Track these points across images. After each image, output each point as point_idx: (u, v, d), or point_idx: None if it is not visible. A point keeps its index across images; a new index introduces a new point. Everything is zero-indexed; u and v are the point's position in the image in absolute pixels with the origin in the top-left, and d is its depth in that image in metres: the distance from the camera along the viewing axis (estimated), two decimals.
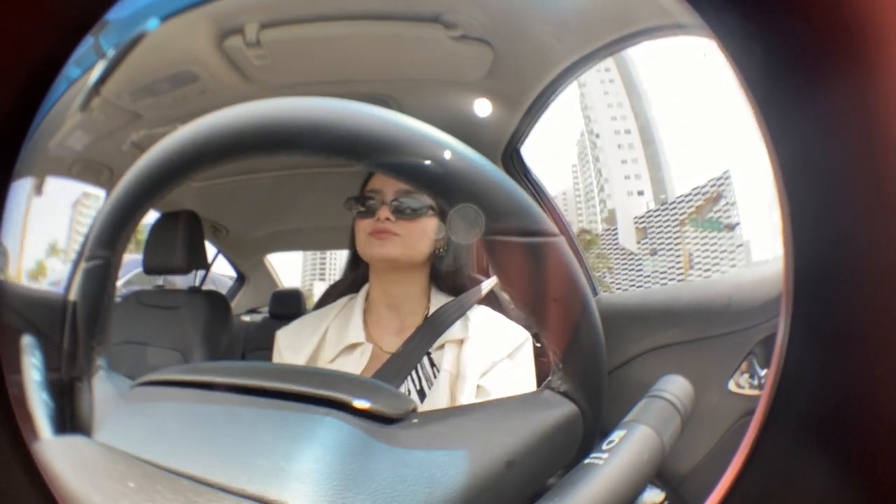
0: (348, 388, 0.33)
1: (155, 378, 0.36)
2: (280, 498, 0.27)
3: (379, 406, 0.32)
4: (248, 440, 0.30)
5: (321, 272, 0.50)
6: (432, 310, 0.49)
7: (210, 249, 0.52)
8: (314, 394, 0.32)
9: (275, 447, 0.29)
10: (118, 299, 0.48)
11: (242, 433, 0.31)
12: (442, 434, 0.33)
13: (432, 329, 0.48)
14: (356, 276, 0.50)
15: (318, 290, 0.51)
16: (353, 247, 0.49)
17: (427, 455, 0.31)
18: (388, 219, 0.46)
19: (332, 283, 0.50)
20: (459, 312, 0.49)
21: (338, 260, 0.50)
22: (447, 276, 0.50)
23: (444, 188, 0.31)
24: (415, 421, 0.33)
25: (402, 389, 0.46)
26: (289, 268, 0.51)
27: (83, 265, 0.38)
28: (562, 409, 0.36)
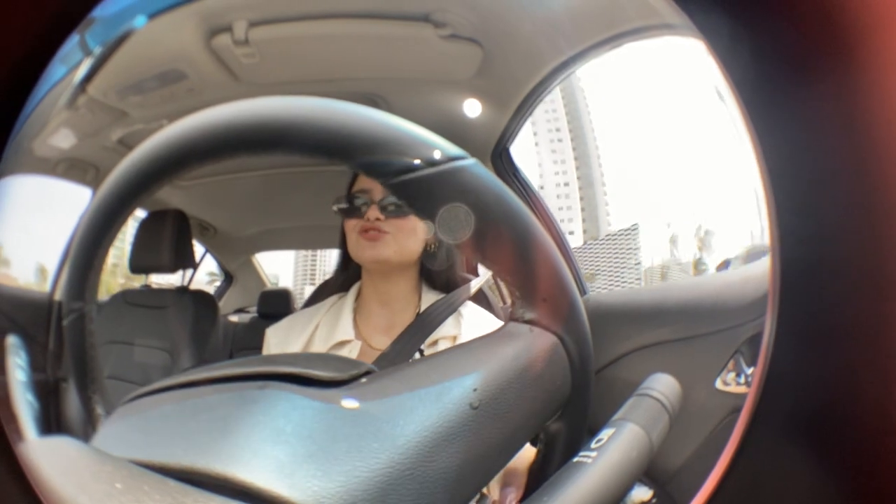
0: (293, 362, 0.32)
1: (141, 392, 0.36)
2: (212, 469, 0.26)
3: (321, 371, 0.31)
4: (204, 423, 0.30)
5: (311, 275, 0.50)
6: (423, 307, 0.49)
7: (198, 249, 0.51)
8: (256, 371, 0.32)
9: (215, 425, 0.29)
10: (106, 298, 0.47)
11: (201, 417, 0.30)
12: (390, 387, 0.31)
13: (423, 326, 0.48)
14: (347, 276, 0.50)
15: (309, 293, 0.50)
16: (343, 247, 0.49)
17: (373, 409, 0.30)
18: (378, 218, 0.46)
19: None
20: (450, 309, 0.48)
21: (329, 261, 0.50)
22: (438, 274, 0.50)
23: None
24: (363, 381, 0.32)
25: None
26: (280, 270, 0.51)
27: (64, 323, 0.38)
28: (530, 340, 0.33)
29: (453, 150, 0.31)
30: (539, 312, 0.34)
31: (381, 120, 0.31)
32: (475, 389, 0.31)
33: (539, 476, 0.37)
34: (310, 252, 0.50)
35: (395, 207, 0.46)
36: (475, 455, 0.30)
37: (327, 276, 0.50)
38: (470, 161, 0.31)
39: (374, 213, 0.46)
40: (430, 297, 0.49)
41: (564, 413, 0.35)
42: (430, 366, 0.34)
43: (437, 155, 0.31)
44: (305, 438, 0.28)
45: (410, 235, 0.47)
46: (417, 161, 0.30)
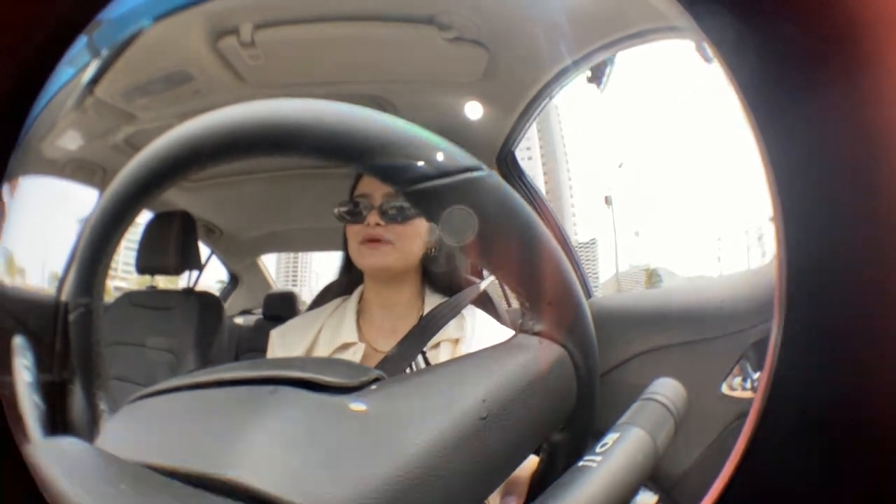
0: (304, 367, 0.33)
1: (147, 392, 0.36)
2: (223, 474, 0.27)
3: (331, 377, 0.32)
4: (214, 427, 0.30)
5: (293, 277, 0.50)
6: (426, 310, 0.49)
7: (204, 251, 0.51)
8: (266, 376, 0.32)
9: (225, 430, 0.29)
10: (111, 300, 0.47)
11: (211, 421, 0.31)
12: (401, 395, 0.32)
13: (426, 329, 0.48)
14: (351, 279, 0.50)
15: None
16: (346, 251, 0.49)
17: (383, 418, 0.30)
18: (378, 224, 0.46)
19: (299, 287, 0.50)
20: (453, 312, 0.48)
21: (311, 264, 0.50)
22: (441, 277, 0.49)
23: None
24: (373, 387, 0.32)
25: None
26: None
27: (70, 318, 0.38)
28: (539, 351, 0.33)
29: (470, 160, 0.31)
30: (546, 320, 0.34)
31: (400, 126, 0.31)
32: (484, 400, 0.31)
33: (540, 485, 0.36)
34: (291, 255, 0.50)
35: (396, 212, 0.46)
36: (482, 465, 0.30)
37: (307, 278, 0.50)
38: (486, 172, 0.31)
39: (373, 218, 0.46)
40: (433, 300, 0.49)
41: (569, 424, 0.35)
42: (440, 375, 0.34)
43: (454, 164, 0.31)
44: (316, 445, 0.28)
45: (411, 241, 0.47)
46: (435, 170, 0.30)
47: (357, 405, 0.30)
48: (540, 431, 0.34)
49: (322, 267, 0.50)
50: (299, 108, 0.31)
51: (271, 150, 0.32)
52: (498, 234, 0.32)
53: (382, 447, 0.28)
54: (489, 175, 0.32)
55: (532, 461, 0.37)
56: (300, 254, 0.50)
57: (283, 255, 0.50)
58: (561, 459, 0.36)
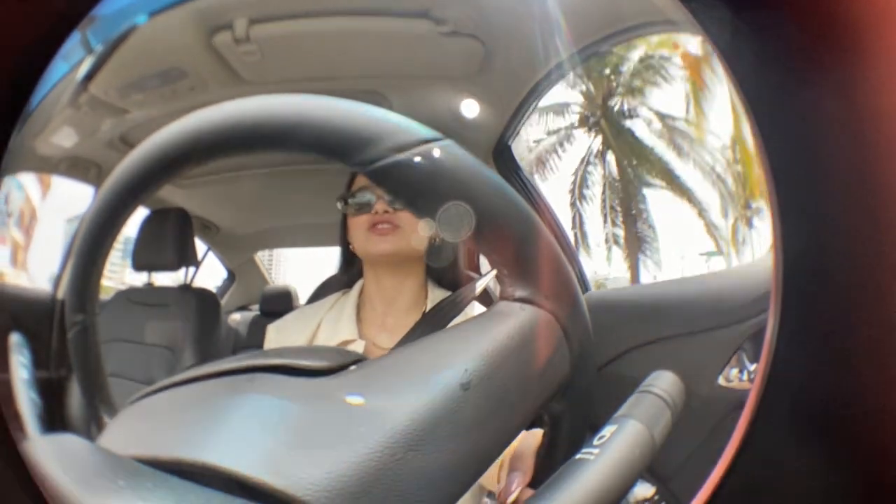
0: (282, 354, 0.33)
1: (143, 393, 0.36)
2: (199, 459, 0.27)
3: (309, 361, 0.31)
4: (194, 416, 0.30)
5: (268, 273, 0.50)
6: (429, 305, 0.49)
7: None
8: (247, 365, 0.32)
9: (204, 417, 0.29)
10: (107, 298, 0.47)
11: (192, 410, 0.31)
12: (378, 373, 0.31)
13: (430, 326, 0.48)
14: (351, 274, 0.50)
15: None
16: (344, 244, 0.48)
17: (363, 398, 0.29)
18: (386, 211, 0.46)
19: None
20: (457, 309, 0.48)
21: (286, 261, 0.50)
22: (444, 271, 0.49)
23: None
24: (352, 368, 0.32)
25: None
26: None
27: (68, 336, 0.38)
28: (522, 317, 0.33)
29: (427, 132, 0.31)
30: (531, 288, 0.33)
31: (353, 109, 0.31)
32: (466, 370, 0.30)
33: (546, 460, 0.36)
34: (267, 252, 0.50)
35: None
36: (469, 437, 0.29)
37: (285, 277, 0.50)
38: (446, 142, 0.31)
39: (381, 206, 0.46)
40: (436, 295, 0.49)
41: (567, 393, 0.35)
42: (419, 349, 0.33)
43: (410, 138, 0.31)
44: (292, 427, 0.28)
45: (418, 227, 0.47)
46: (392, 146, 0.30)
47: (337, 390, 0.30)
48: (532, 399, 0.33)
49: (297, 263, 0.50)
50: (265, 106, 0.31)
51: (238, 149, 0.32)
52: (474, 205, 0.31)
53: (359, 425, 0.27)
54: (450, 144, 0.31)
55: (536, 436, 0.37)
56: (275, 251, 0.50)
57: (259, 253, 0.50)
58: (565, 431, 0.36)
